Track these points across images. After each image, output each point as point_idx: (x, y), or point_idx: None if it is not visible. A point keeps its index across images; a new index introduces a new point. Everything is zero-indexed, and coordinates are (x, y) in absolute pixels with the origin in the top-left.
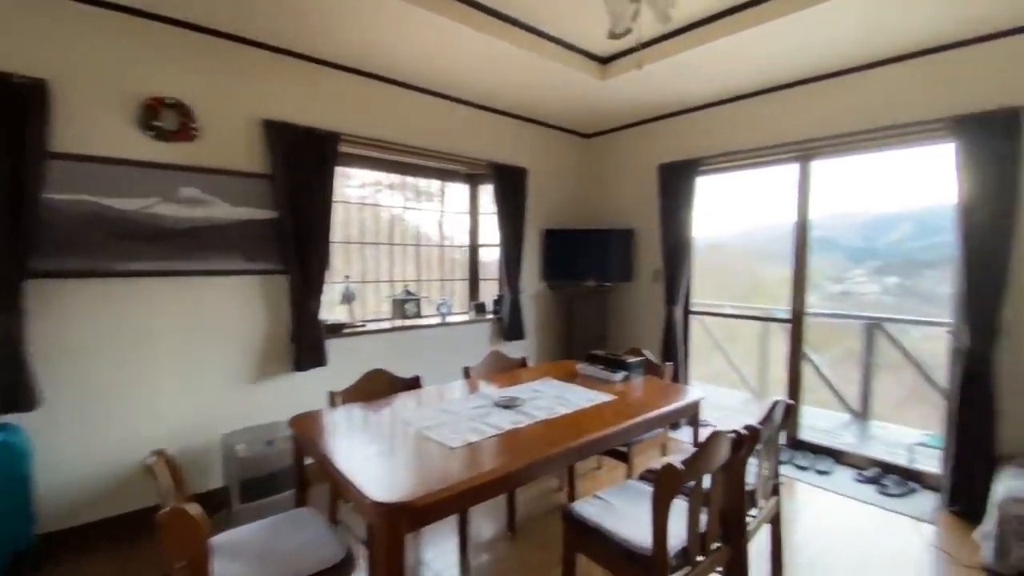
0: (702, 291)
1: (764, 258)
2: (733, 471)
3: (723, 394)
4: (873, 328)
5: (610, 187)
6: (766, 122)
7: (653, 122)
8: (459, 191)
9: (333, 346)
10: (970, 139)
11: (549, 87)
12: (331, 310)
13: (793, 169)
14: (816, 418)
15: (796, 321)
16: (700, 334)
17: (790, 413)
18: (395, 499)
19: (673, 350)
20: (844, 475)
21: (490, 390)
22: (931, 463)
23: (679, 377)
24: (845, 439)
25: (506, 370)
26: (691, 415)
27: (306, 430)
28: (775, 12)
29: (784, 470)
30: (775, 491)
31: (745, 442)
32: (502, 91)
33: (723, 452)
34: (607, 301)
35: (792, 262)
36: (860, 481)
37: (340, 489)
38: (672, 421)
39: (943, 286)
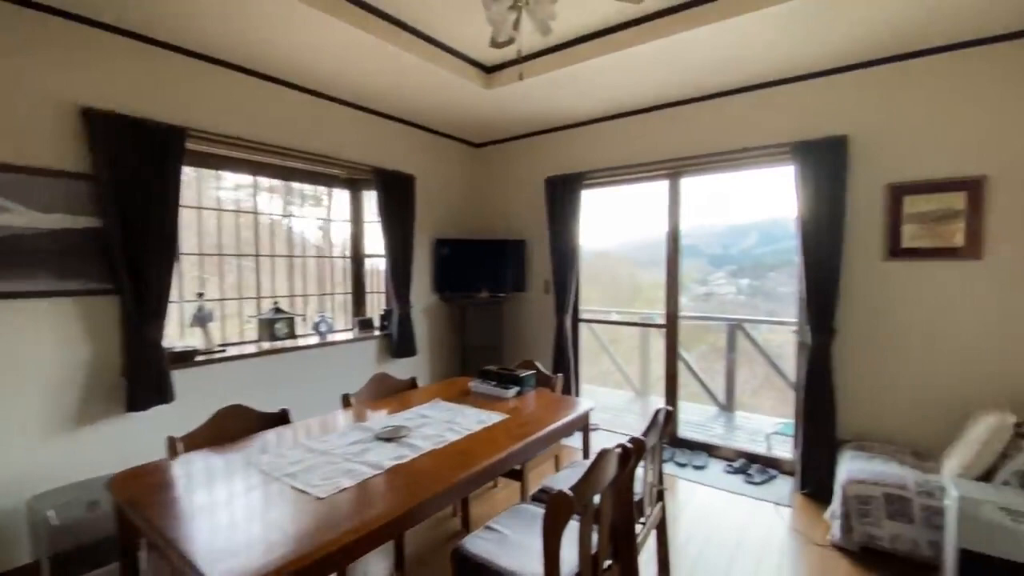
0: (589, 298)
1: (643, 265)
2: (621, 485)
3: (609, 394)
4: (735, 328)
5: (500, 197)
6: (642, 140)
7: (541, 135)
8: (340, 197)
9: (182, 378)
10: (806, 161)
11: (436, 92)
12: (182, 335)
13: (664, 185)
14: (690, 413)
15: (671, 323)
16: (588, 337)
17: (670, 419)
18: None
19: (564, 358)
20: (716, 468)
21: (373, 419)
22: (786, 449)
23: (570, 384)
24: (715, 431)
25: (393, 393)
26: (582, 425)
27: (130, 492)
28: (647, 35)
29: (666, 469)
30: (659, 497)
31: (632, 455)
32: (388, 94)
33: (611, 469)
34: (501, 312)
35: (666, 269)
36: (730, 472)
37: (174, 565)
38: (564, 435)
39: (785, 287)
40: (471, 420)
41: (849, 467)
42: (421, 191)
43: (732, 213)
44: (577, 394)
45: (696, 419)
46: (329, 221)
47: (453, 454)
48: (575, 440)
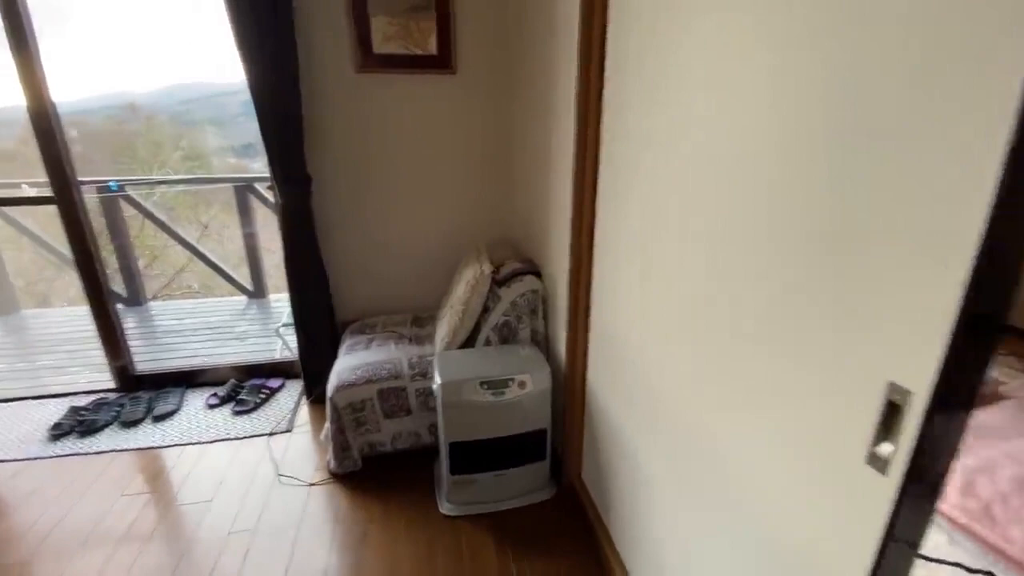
0: None
1: None
2: None
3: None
4: (245, 191)
5: None
6: None
7: None
8: None
9: None
10: None
11: None
12: None
13: None
14: (175, 314)
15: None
16: None
17: None
18: None
19: None
20: (196, 405)
21: None
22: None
23: None
24: (241, 327)
25: None
26: None
27: None
28: None
29: (99, 443)
30: None
31: None
32: None
33: None
34: None
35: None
36: (214, 405)
37: None
38: None
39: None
40: None
41: (341, 366)
42: None
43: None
44: None
45: (192, 324)
46: None
47: None
48: None
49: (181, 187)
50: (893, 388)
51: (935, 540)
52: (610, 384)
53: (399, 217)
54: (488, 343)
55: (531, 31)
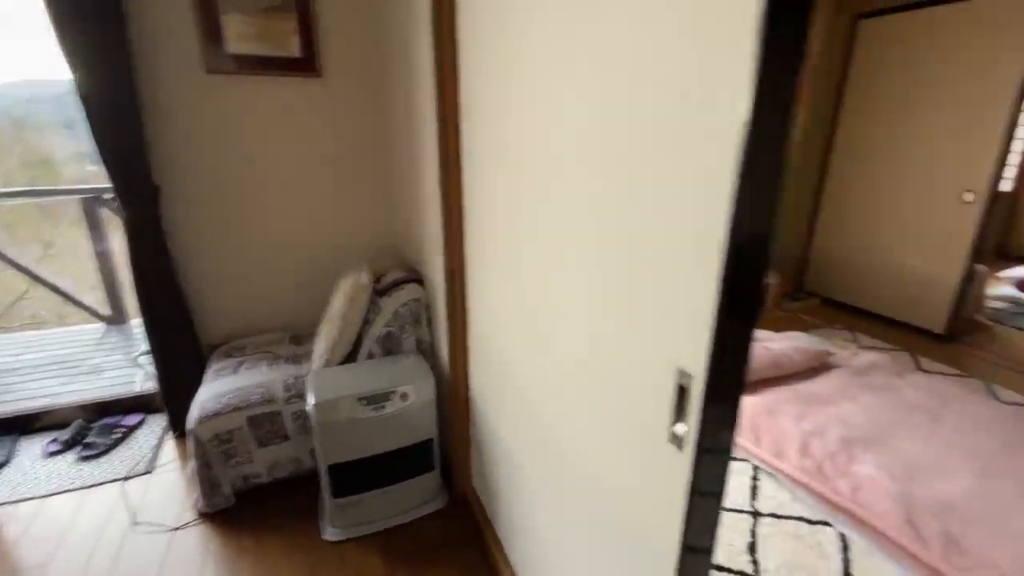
0: None
1: None
2: None
3: None
4: (94, 203)
5: None
6: None
7: None
8: None
9: None
10: None
11: None
12: None
13: None
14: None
15: None
16: None
17: None
18: None
19: None
20: (32, 453)
21: None
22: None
23: None
24: (96, 359)
25: None
26: None
27: None
28: None
29: None
30: None
31: None
32: None
33: None
34: None
35: None
36: (55, 452)
37: None
38: None
39: None
40: None
41: (204, 395)
42: None
43: None
44: None
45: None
46: None
47: None
48: None
49: (20, 200)
50: (681, 373)
51: (780, 498)
52: (488, 387)
53: (270, 229)
54: (371, 356)
55: (391, 33)
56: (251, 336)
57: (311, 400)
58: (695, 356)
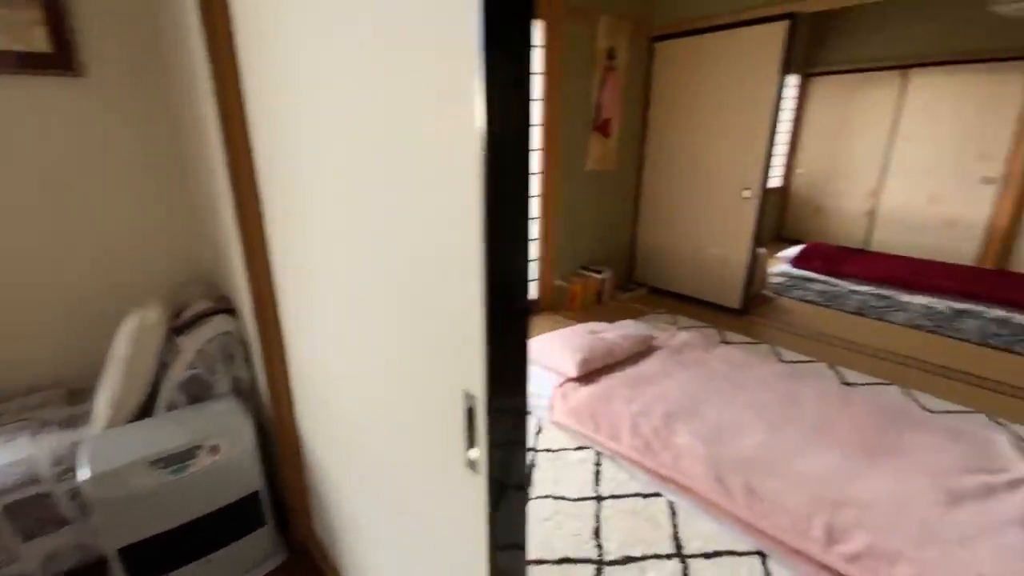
0: None
1: None
2: None
3: None
4: None
5: None
6: None
7: None
8: None
9: None
10: None
11: None
12: None
13: None
14: None
15: None
16: None
17: None
18: None
19: None
20: None
21: None
22: None
23: None
24: None
25: None
26: None
27: None
28: None
29: None
30: None
31: None
32: None
33: None
34: None
35: None
36: None
37: None
38: None
39: None
40: None
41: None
42: None
43: None
44: None
45: None
46: None
47: None
48: None
49: None
50: (467, 396)
51: (619, 479)
52: (315, 422)
53: (26, 257)
54: (174, 407)
55: (166, 28)
56: (15, 399)
57: (83, 474)
58: (476, 374)
